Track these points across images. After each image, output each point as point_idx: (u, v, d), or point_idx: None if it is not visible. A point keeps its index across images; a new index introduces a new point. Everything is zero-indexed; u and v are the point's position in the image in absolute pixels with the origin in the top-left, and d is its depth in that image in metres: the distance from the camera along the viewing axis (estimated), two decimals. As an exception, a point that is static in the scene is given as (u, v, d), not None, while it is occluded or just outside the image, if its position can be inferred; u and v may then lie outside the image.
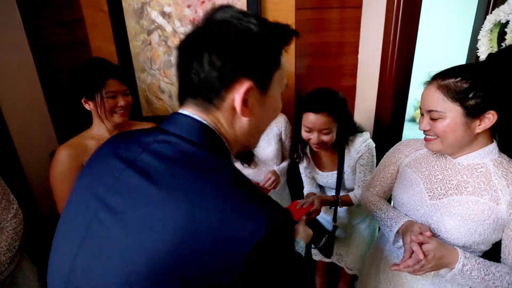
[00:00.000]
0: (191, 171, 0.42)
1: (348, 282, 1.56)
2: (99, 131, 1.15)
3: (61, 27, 1.51)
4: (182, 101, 0.53)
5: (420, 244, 0.78)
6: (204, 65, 0.47)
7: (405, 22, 1.33)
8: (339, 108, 1.17)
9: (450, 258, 0.76)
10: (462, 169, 0.84)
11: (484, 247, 0.82)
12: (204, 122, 0.50)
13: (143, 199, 0.41)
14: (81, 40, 1.52)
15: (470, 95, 0.73)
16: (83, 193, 0.49)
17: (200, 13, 1.49)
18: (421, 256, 0.75)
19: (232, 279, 0.37)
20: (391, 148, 1.09)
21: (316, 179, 1.45)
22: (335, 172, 1.33)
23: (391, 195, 1.09)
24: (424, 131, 0.85)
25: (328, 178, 1.37)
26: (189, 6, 1.48)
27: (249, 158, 1.44)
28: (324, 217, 1.49)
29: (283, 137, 1.49)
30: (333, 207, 1.36)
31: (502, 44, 1.06)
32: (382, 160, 1.11)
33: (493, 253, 0.83)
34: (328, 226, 1.39)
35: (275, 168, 1.47)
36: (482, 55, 1.11)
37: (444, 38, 2.57)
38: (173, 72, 1.58)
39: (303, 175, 1.51)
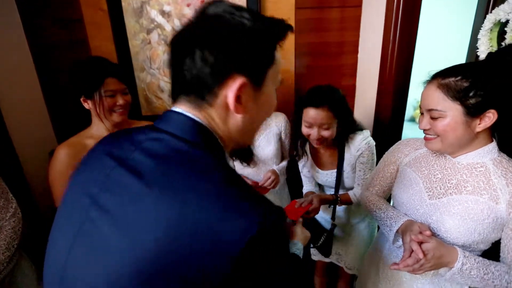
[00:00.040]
0: (183, 169, 0.42)
1: (347, 281, 1.56)
2: (98, 130, 1.14)
3: (61, 27, 1.50)
4: (175, 98, 0.52)
5: (420, 243, 0.78)
6: (196, 61, 0.46)
7: (405, 21, 1.33)
8: (339, 103, 1.17)
9: (449, 257, 0.76)
10: (462, 168, 0.84)
11: (483, 246, 0.82)
12: (197, 119, 0.49)
13: (134, 197, 0.41)
14: (80, 40, 1.52)
15: (471, 94, 0.73)
16: (77, 191, 0.49)
17: (200, 12, 1.49)
18: (421, 256, 0.75)
19: (224, 278, 0.37)
20: (391, 148, 1.09)
21: (316, 177, 1.44)
22: (335, 170, 1.33)
23: (390, 194, 1.09)
24: (424, 130, 0.85)
25: (327, 176, 1.37)
26: (188, 5, 1.48)
27: (248, 157, 1.44)
28: (323, 216, 1.49)
29: (283, 136, 1.49)
30: (332, 206, 1.36)
31: (502, 43, 1.06)
32: (381, 160, 1.11)
33: (492, 252, 0.83)
34: (327, 225, 1.39)
35: (275, 167, 1.47)
36: (482, 54, 1.11)
37: (444, 38, 2.56)
38: (172, 71, 1.58)
39: (302, 174, 1.50)
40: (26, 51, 1.47)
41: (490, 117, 0.75)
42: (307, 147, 1.39)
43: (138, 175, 0.42)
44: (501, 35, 1.06)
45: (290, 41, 1.59)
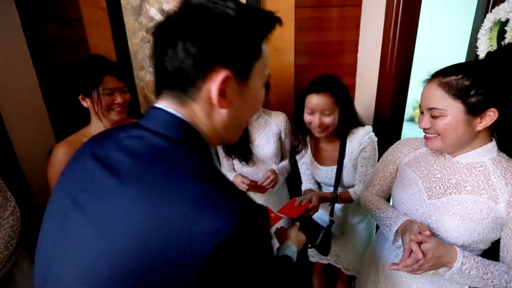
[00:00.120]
0: (160, 167, 0.41)
1: (345, 282, 1.55)
2: (97, 128, 1.14)
3: (60, 26, 1.50)
4: (159, 93, 0.51)
5: (419, 243, 0.77)
6: (179, 52, 0.44)
7: (405, 20, 1.33)
8: (340, 89, 1.19)
9: (449, 257, 0.76)
10: (461, 168, 0.84)
11: (483, 246, 0.82)
12: (179, 115, 0.48)
13: (110, 196, 0.40)
14: (79, 39, 1.52)
15: (472, 93, 0.73)
16: (61, 191, 0.48)
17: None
18: (420, 256, 0.75)
19: (200, 277, 0.36)
20: (390, 147, 1.09)
21: (315, 174, 1.44)
22: (335, 166, 1.32)
23: (390, 194, 1.09)
24: (424, 129, 0.84)
25: (327, 173, 1.36)
26: (188, 4, 1.48)
27: (247, 156, 1.44)
28: (321, 217, 1.48)
29: (283, 136, 1.49)
30: (330, 204, 1.35)
31: (502, 42, 1.06)
32: (381, 159, 1.11)
33: (492, 251, 0.83)
34: (325, 224, 1.38)
35: (274, 167, 1.47)
36: (482, 53, 1.11)
37: (444, 37, 2.56)
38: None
39: (301, 171, 1.49)
40: (25, 51, 1.47)
41: (491, 115, 0.74)
42: (308, 140, 1.38)
43: (115, 174, 0.42)
44: (501, 34, 1.06)
45: (289, 40, 1.59)
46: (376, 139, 1.28)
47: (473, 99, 0.73)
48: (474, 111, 0.74)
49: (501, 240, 0.79)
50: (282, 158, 1.55)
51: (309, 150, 1.40)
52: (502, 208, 0.76)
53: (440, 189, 0.87)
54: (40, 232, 0.50)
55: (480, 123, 0.76)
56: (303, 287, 1.74)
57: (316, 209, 1.23)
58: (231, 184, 0.45)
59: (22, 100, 1.46)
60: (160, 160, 0.42)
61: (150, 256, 0.36)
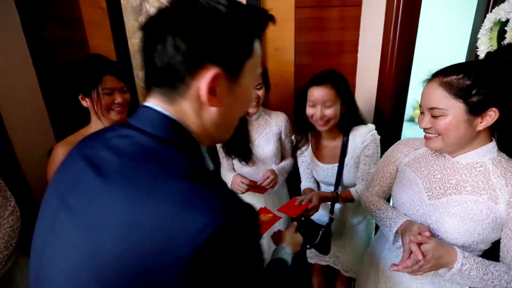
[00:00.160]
0: (146, 166, 0.41)
1: (345, 282, 1.55)
2: (97, 128, 1.14)
3: (60, 26, 1.50)
4: (149, 89, 0.50)
5: (419, 244, 0.77)
6: (168, 48, 0.43)
7: (405, 21, 1.33)
8: (341, 82, 1.20)
9: (448, 258, 0.76)
10: (461, 168, 0.84)
11: (483, 246, 0.82)
12: (168, 114, 0.47)
13: (95, 197, 0.40)
14: (79, 39, 1.52)
15: (473, 92, 0.73)
16: (51, 192, 0.48)
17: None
18: (420, 257, 0.75)
19: (181, 279, 0.35)
20: (390, 148, 1.09)
21: (315, 172, 1.42)
22: (336, 164, 1.31)
23: (390, 194, 1.08)
24: (425, 129, 0.84)
25: (328, 171, 1.35)
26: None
27: (247, 156, 1.44)
28: (320, 216, 1.45)
29: (283, 136, 1.49)
30: (330, 202, 1.34)
31: (502, 42, 1.06)
32: (381, 160, 1.10)
33: (492, 252, 0.83)
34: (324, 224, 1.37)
35: (274, 167, 1.46)
36: (482, 54, 1.11)
37: (444, 37, 2.56)
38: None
39: (301, 170, 1.49)
40: (25, 51, 1.47)
41: (492, 115, 0.74)
42: (309, 137, 1.37)
43: (102, 173, 0.42)
44: (501, 34, 1.06)
45: (289, 40, 1.59)
46: (379, 137, 1.28)
47: (474, 99, 0.73)
48: (475, 110, 0.74)
49: (501, 241, 0.79)
50: (282, 158, 1.55)
51: (310, 148, 1.39)
52: (502, 208, 0.76)
53: (440, 189, 0.87)
54: (34, 232, 0.50)
55: (481, 123, 0.76)
56: (302, 287, 1.74)
57: (316, 208, 1.23)
58: (220, 183, 0.44)
59: (22, 100, 1.46)
60: (148, 159, 0.42)
61: (134, 257, 0.36)
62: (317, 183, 1.51)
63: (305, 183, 1.49)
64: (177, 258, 0.35)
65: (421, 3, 1.32)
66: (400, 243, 0.89)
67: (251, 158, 1.45)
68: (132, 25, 1.49)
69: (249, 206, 0.43)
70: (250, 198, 1.49)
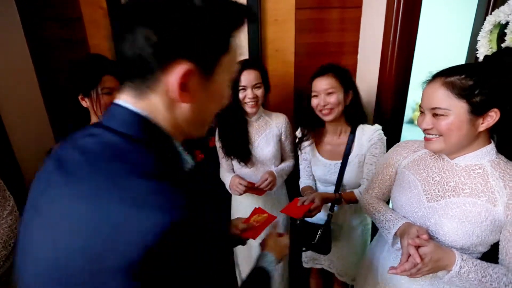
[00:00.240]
0: (109, 164, 0.40)
1: (342, 284, 1.53)
2: (96, 129, 1.14)
3: (60, 26, 1.50)
4: (121, 83, 0.48)
5: (417, 247, 0.77)
6: (139, 38, 0.41)
7: (405, 23, 1.33)
8: (343, 72, 1.25)
9: (447, 261, 0.76)
10: (460, 170, 0.84)
11: (482, 248, 0.82)
12: (136, 110, 0.45)
13: (57, 197, 0.40)
14: (80, 38, 1.52)
15: (476, 92, 0.73)
16: (29, 194, 0.48)
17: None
18: (418, 260, 0.75)
19: (132, 278, 0.34)
20: (389, 150, 1.08)
21: (317, 169, 1.40)
22: (339, 162, 1.31)
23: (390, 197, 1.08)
24: (425, 130, 0.84)
25: (330, 167, 1.34)
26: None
27: (246, 157, 1.43)
28: (317, 219, 1.45)
29: (283, 137, 1.48)
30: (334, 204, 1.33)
31: (501, 45, 1.06)
32: (380, 162, 1.10)
33: (492, 254, 0.82)
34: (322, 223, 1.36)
35: (273, 168, 1.46)
36: (482, 56, 1.10)
37: (443, 40, 2.57)
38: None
39: (301, 167, 1.48)
40: (25, 51, 1.48)
41: (493, 116, 0.74)
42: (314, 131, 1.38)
43: (65, 173, 0.41)
44: (501, 37, 1.06)
45: (290, 41, 1.59)
46: (385, 138, 1.28)
47: (477, 99, 0.74)
48: (477, 111, 0.74)
49: (500, 243, 0.79)
50: (282, 160, 1.54)
51: (313, 144, 1.39)
52: (500, 210, 0.76)
53: (439, 191, 0.86)
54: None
55: (482, 123, 0.76)
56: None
57: (318, 209, 1.22)
58: (187, 181, 0.43)
59: (22, 100, 1.46)
60: (110, 158, 0.41)
61: (86, 258, 0.35)
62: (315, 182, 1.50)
63: (305, 180, 1.48)
64: (127, 259, 0.34)
65: (421, 5, 1.32)
66: (399, 245, 0.89)
67: (251, 159, 1.45)
68: (132, 25, 1.49)
69: (209, 204, 0.42)
70: (249, 199, 1.49)
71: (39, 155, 1.47)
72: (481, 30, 1.10)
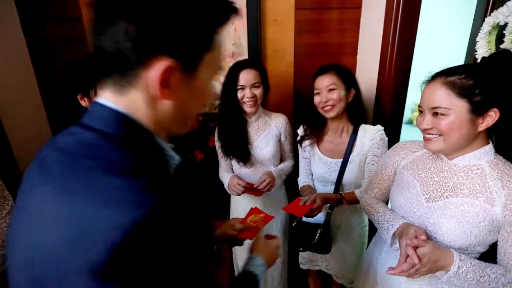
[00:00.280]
0: (84, 162, 0.40)
1: (340, 285, 1.54)
2: (96, 128, 1.14)
3: (60, 26, 1.50)
4: (103, 80, 0.47)
5: (415, 247, 0.77)
6: (118, 31, 0.40)
7: (404, 23, 1.33)
8: (345, 70, 1.28)
9: (445, 261, 0.76)
10: (458, 171, 0.84)
11: (480, 248, 0.82)
12: (115, 107, 0.44)
13: (34, 195, 0.40)
14: (79, 38, 1.52)
15: (476, 91, 0.74)
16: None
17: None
18: (416, 261, 0.75)
19: (102, 274, 0.34)
20: (388, 150, 1.09)
21: (317, 167, 1.40)
22: (340, 160, 1.31)
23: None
24: (424, 130, 0.84)
25: (331, 165, 1.34)
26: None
27: (245, 157, 1.43)
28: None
29: (282, 138, 1.48)
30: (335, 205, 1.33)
31: (500, 46, 1.06)
32: (379, 162, 1.11)
33: (490, 254, 0.83)
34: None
35: (272, 169, 1.46)
36: (480, 57, 1.11)
37: (442, 41, 2.57)
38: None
39: (301, 165, 1.48)
40: (25, 50, 1.48)
41: (492, 115, 0.75)
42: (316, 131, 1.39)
43: (42, 172, 0.42)
44: (500, 38, 1.06)
45: (289, 41, 1.59)
46: (386, 138, 1.29)
47: (477, 98, 0.74)
48: (478, 110, 0.75)
49: (498, 243, 0.79)
50: (281, 160, 1.54)
51: (314, 142, 1.39)
52: (498, 211, 0.76)
53: (437, 192, 0.87)
54: None
55: (482, 123, 0.76)
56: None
57: (320, 209, 1.22)
58: (168, 179, 0.43)
59: (21, 99, 1.46)
60: (86, 156, 0.40)
61: (54, 258, 0.35)
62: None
63: (304, 179, 1.47)
64: (93, 259, 0.34)
65: (420, 7, 1.33)
66: (397, 245, 0.89)
67: (250, 159, 1.45)
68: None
69: (193, 202, 0.42)
70: (248, 199, 1.49)
71: (38, 155, 1.48)
72: (480, 31, 1.10)
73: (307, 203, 1.20)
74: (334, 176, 1.34)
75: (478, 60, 1.11)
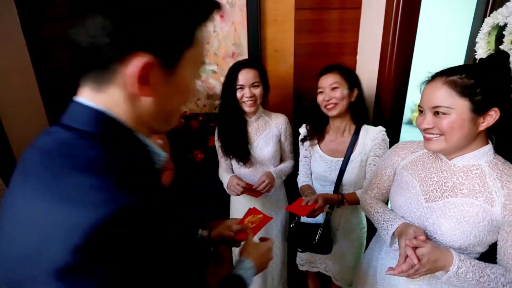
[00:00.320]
0: (57, 161, 0.39)
1: (339, 286, 1.54)
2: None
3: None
4: (81, 77, 0.46)
5: (415, 248, 0.77)
6: (94, 26, 0.39)
7: (404, 24, 1.33)
8: (348, 70, 1.30)
9: (445, 261, 0.76)
10: (458, 171, 0.84)
11: (480, 248, 0.83)
12: (93, 105, 0.43)
13: (14, 197, 0.40)
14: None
15: (478, 91, 0.74)
16: None
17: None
18: (415, 261, 0.75)
19: (68, 275, 0.33)
20: (388, 151, 1.09)
21: (317, 166, 1.40)
22: (341, 159, 1.32)
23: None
24: (425, 130, 0.83)
25: (331, 164, 1.34)
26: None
27: (245, 157, 1.43)
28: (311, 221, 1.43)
29: (283, 138, 1.48)
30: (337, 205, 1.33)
31: (500, 47, 1.06)
32: (379, 163, 1.11)
33: (490, 254, 0.83)
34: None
35: (272, 169, 1.46)
36: (480, 58, 1.11)
37: (442, 41, 2.58)
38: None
39: (300, 164, 1.48)
40: (25, 51, 1.47)
41: (493, 115, 0.75)
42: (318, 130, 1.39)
43: (22, 172, 0.41)
44: (499, 38, 1.06)
45: (289, 41, 1.59)
46: (388, 139, 1.30)
47: (478, 97, 0.74)
48: (479, 109, 0.75)
49: (497, 243, 0.80)
50: (281, 161, 1.54)
51: (316, 140, 1.39)
52: (497, 211, 0.77)
53: (437, 192, 0.87)
54: None
55: (482, 122, 0.77)
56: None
57: (321, 210, 1.23)
58: (150, 176, 0.42)
59: (21, 100, 1.46)
60: (61, 155, 0.40)
61: (25, 261, 0.34)
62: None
63: (303, 178, 1.47)
64: (58, 260, 0.33)
65: (420, 7, 1.33)
66: (397, 245, 0.90)
67: (250, 159, 1.44)
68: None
69: (175, 201, 0.42)
70: (248, 199, 1.49)
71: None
72: (480, 31, 1.11)
73: (309, 203, 1.20)
74: (334, 175, 1.34)
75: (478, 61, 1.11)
